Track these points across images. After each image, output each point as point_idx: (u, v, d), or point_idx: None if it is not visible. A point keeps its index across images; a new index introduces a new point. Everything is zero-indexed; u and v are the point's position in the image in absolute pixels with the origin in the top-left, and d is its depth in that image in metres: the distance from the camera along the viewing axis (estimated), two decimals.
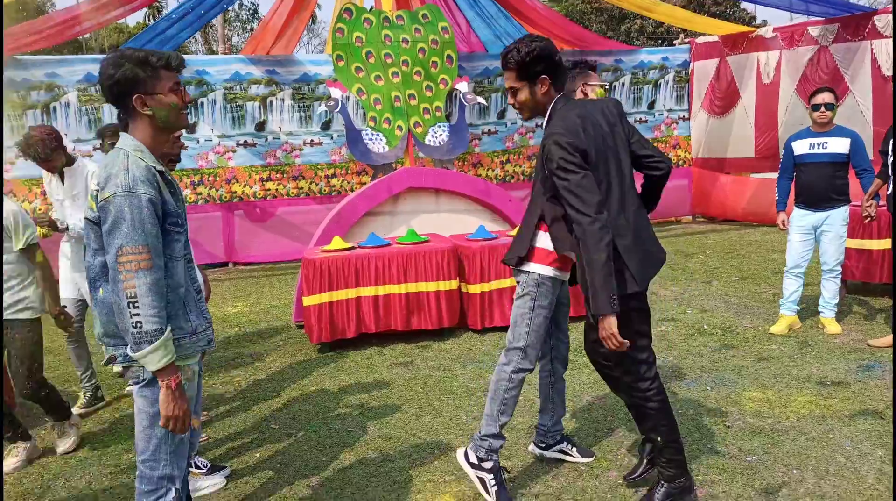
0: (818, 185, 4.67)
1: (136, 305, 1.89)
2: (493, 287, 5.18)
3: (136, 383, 2.06)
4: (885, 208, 4.70)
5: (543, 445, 3.16)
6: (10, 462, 3.38)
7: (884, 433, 3.26)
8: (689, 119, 10.41)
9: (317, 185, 8.82)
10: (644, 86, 10.10)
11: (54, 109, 7.81)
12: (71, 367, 4.54)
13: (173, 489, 2.10)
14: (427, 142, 6.47)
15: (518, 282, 2.82)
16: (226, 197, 8.51)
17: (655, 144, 10.44)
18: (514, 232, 5.49)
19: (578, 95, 3.10)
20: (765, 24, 18.79)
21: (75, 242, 3.99)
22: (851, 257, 5.44)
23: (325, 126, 8.77)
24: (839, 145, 4.62)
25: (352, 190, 8.43)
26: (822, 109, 4.63)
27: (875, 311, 5.27)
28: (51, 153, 3.77)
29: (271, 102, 8.54)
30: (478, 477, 2.80)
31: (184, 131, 6.23)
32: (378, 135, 6.35)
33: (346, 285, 4.97)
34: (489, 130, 9.46)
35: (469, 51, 9.39)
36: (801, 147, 4.76)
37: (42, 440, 3.66)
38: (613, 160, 2.58)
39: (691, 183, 10.44)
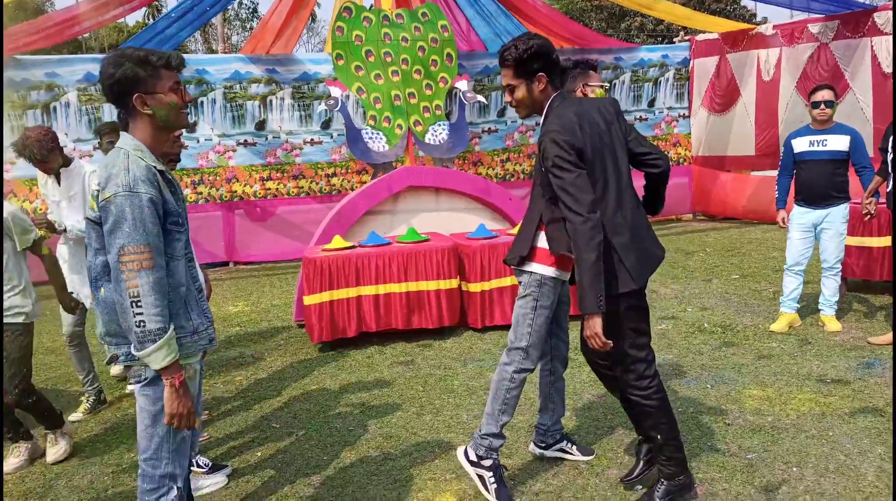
0: (818, 182, 4.67)
1: (139, 304, 1.90)
2: (494, 286, 5.18)
3: (138, 382, 2.06)
4: (884, 205, 4.70)
5: (543, 444, 3.17)
6: (12, 462, 3.39)
7: (883, 430, 3.26)
8: (689, 117, 10.41)
9: (317, 184, 8.82)
10: (644, 84, 10.10)
11: (54, 108, 7.82)
12: (73, 367, 4.54)
13: (175, 487, 2.11)
14: (427, 140, 6.47)
15: (520, 282, 2.82)
16: (226, 196, 8.51)
17: (656, 142, 10.50)
18: (514, 230, 5.51)
19: (578, 95, 3.10)
20: (765, 21, 18.79)
21: (73, 244, 3.96)
22: (851, 254, 5.45)
23: (325, 125, 8.78)
24: (839, 143, 4.62)
25: (352, 189, 8.44)
26: (822, 106, 4.63)
27: (875, 309, 5.27)
28: (47, 154, 3.71)
29: (271, 101, 8.55)
30: (477, 475, 2.81)
31: (184, 131, 6.24)
32: (378, 134, 6.36)
33: (347, 285, 4.97)
34: (489, 128, 9.46)
35: (469, 49, 9.39)
36: (800, 145, 4.76)
37: (44, 439, 3.67)
38: (610, 158, 2.59)
39: (692, 181, 10.44)
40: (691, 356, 4.46)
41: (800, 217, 4.79)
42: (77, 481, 3.24)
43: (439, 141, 6.50)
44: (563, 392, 3.17)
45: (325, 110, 8.57)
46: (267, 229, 8.76)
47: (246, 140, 8.52)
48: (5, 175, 7.63)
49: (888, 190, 4.48)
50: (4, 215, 3.28)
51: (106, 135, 4.15)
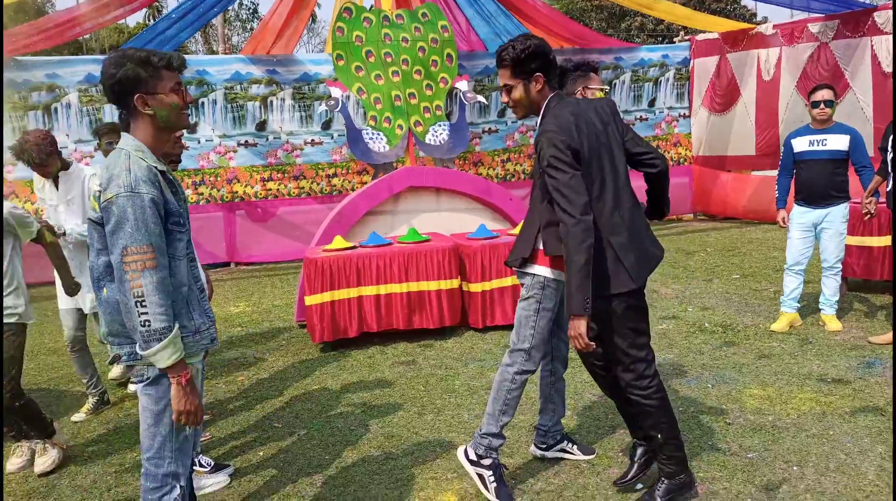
0: (818, 182, 4.67)
1: (143, 304, 1.91)
2: (495, 286, 5.19)
3: (141, 381, 2.07)
4: (884, 204, 4.71)
5: (544, 445, 3.17)
6: (14, 462, 3.39)
7: (884, 429, 3.27)
8: (689, 117, 10.41)
9: (318, 184, 8.83)
10: (644, 83, 10.11)
11: (55, 109, 7.83)
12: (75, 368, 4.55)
13: (178, 486, 2.12)
14: (427, 141, 6.48)
15: (522, 284, 2.83)
16: (227, 197, 8.52)
17: (656, 142, 10.50)
18: (514, 231, 5.51)
19: (579, 97, 3.10)
20: (765, 21, 18.79)
21: (73, 247, 3.92)
22: (852, 254, 5.45)
23: (326, 126, 8.79)
24: (839, 142, 4.63)
25: (353, 189, 8.45)
26: (822, 106, 4.63)
27: (875, 308, 5.28)
28: (46, 158, 3.68)
29: (272, 101, 8.56)
30: (477, 474, 2.82)
31: (185, 131, 6.25)
32: (378, 134, 6.37)
33: (348, 285, 4.98)
34: (490, 128, 9.46)
35: (469, 49, 9.40)
36: (800, 144, 4.77)
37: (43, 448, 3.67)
38: (607, 157, 2.59)
39: (692, 181, 10.45)
40: (692, 356, 4.46)
41: (800, 217, 4.79)
42: (80, 480, 3.25)
43: (440, 141, 6.51)
44: (563, 393, 3.17)
45: (326, 111, 8.59)
46: (268, 229, 8.77)
47: (247, 141, 8.53)
48: (7, 177, 7.65)
49: (888, 189, 4.48)
50: (4, 214, 3.28)
51: (105, 135, 4.13)
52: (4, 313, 3.25)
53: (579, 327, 2.45)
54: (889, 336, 4.43)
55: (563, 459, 3.15)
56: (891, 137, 4.47)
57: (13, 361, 3.27)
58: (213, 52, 27.83)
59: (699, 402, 3.71)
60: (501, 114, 9.47)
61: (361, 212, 5.82)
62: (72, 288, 3.69)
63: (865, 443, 3.14)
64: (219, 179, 8.47)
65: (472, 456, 2.83)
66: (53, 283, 3.87)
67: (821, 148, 4.67)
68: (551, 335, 3.00)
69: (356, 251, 5.08)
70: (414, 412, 3.84)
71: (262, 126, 8.56)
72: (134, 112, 2.05)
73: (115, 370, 4.58)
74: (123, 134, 2.09)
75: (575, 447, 3.18)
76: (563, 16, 11.93)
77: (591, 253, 2.42)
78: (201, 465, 3.14)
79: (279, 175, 8.67)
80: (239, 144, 8.50)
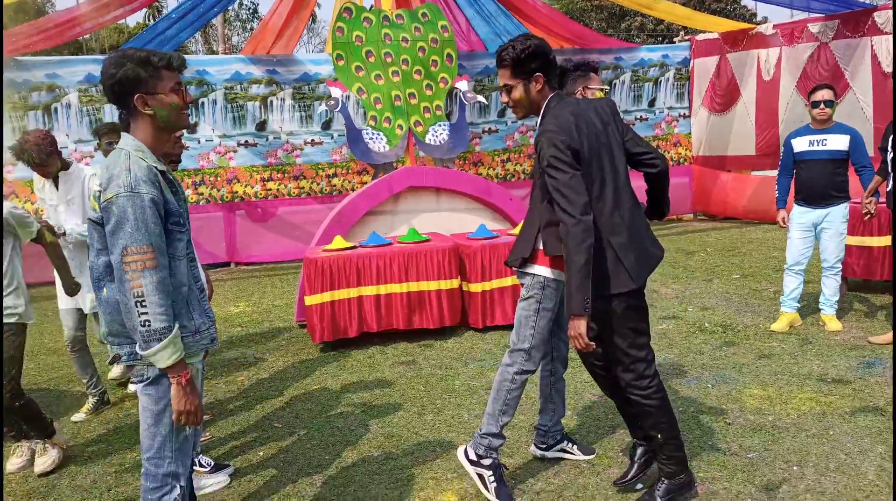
0: (818, 182, 4.67)
1: (143, 303, 1.91)
2: (495, 286, 5.19)
3: (141, 381, 2.07)
4: (884, 204, 4.71)
5: (544, 445, 3.17)
6: (15, 462, 3.39)
7: (884, 429, 3.27)
8: (689, 117, 10.42)
9: (318, 184, 8.83)
10: (644, 83, 10.11)
11: (55, 109, 7.84)
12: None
13: (178, 486, 2.12)
14: (427, 141, 6.48)
15: (522, 284, 2.83)
16: (227, 197, 8.53)
17: (656, 142, 10.49)
18: (514, 231, 5.51)
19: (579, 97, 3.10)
20: (765, 20, 18.79)
21: (73, 247, 3.92)
22: (852, 254, 5.45)
23: (326, 126, 8.79)
24: (839, 142, 4.63)
25: (353, 189, 8.45)
26: (822, 106, 4.63)
27: (876, 308, 5.28)
28: (46, 158, 3.67)
29: (272, 101, 8.56)
30: (477, 474, 2.82)
31: (185, 131, 6.25)
32: (378, 134, 6.37)
33: (348, 285, 4.98)
34: (490, 128, 9.47)
35: (469, 49, 9.40)
36: (800, 144, 4.77)
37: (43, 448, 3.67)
38: (607, 157, 2.60)
39: (692, 181, 10.45)
40: (692, 356, 4.46)
41: (800, 217, 4.79)
42: (80, 480, 3.25)
43: (440, 141, 6.51)
44: (563, 393, 3.17)
45: (326, 111, 8.59)
46: (268, 229, 8.77)
47: (247, 141, 8.53)
48: (7, 177, 7.65)
49: (888, 189, 4.48)
50: (4, 214, 3.28)
51: (104, 136, 4.13)
52: (4, 313, 3.24)
53: (579, 327, 2.45)
54: (889, 336, 4.43)
55: (563, 459, 3.15)
56: (891, 137, 4.47)
57: (13, 361, 3.26)
58: (213, 53, 27.84)
59: (699, 402, 3.71)
60: (501, 114, 9.47)
61: (361, 212, 5.83)
62: (72, 288, 3.69)
63: (865, 443, 3.14)
64: (219, 179, 8.47)
65: (472, 456, 2.84)
66: (53, 283, 3.87)
67: (821, 148, 4.67)
68: (551, 335, 3.00)
69: (356, 251, 5.08)
70: (414, 412, 3.84)
71: (262, 126, 8.56)
72: (134, 112, 2.05)
73: (115, 371, 4.59)
74: (123, 134, 2.09)
75: (575, 447, 3.18)
76: (563, 16, 11.93)
77: (591, 253, 2.42)
78: (201, 465, 3.14)
79: (279, 175, 8.67)
80: (239, 144, 8.50)
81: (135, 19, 32.31)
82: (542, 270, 2.75)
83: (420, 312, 5.10)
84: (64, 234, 3.84)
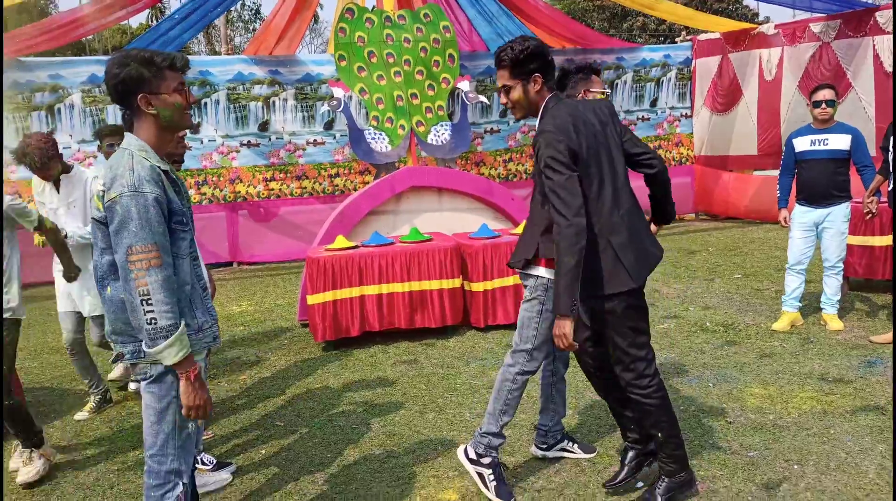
0: (819, 181, 4.68)
1: (149, 302, 1.93)
2: (496, 285, 5.20)
3: (144, 379, 2.09)
4: (886, 204, 4.71)
5: (545, 445, 3.18)
6: (16, 461, 3.40)
7: (885, 428, 3.27)
8: (691, 117, 10.41)
9: (320, 184, 8.85)
10: (646, 83, 10.11)
11: (58, 110, 7.86)
12: None
13: (180, 483, 2.13)
14: (429, 141, 6.49)
15: (525, 285, 2.84)
16: (230, 197, 8.54)
17: (658, 142, 10.48)
18: (516, 230, 5.52)
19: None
20: (767, 20, 18.78)
21: (73, 250, 3.88)
22: (853, 253, 5.45)
23: (328, 126, 8.80)
24: (840, 142, 4.63)
25: (355, 189, 8.46)
26: (823, 105, 4.63)
27: (877, 307, 5.28)
28: (48, 162, 3.66)
29: (274, 102, 8.57)
30: (477, 473, 2.84)
31: (187, 132, 6.27)
32: (381, 134, 6.38)
33: (350, 284, 5.00)
34: (491, 128, 9.47)
35: (471, 49, 9.41)
36: (802, 144, 4.77)
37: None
38: (606, 158, 2.60)
39: (694, 181, 10.45)
40: (693, 355, 4.47)
41: (801, 216, 4.80)
42: (83, 478, 3.27)
43: (442, 141, 6.52)
44: (564, 393, 3.18)
45: (328, 111, 8.60)
46: (270, 229, 8.79)
47: (249, 141, 8.55)
48: (10, 177, 7.68)
49: (889, 189, 4.49)
50: (4, 208, 3.28)
51: (106, 137, 4.12)
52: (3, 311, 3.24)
53: (565, 327, 2.46)
54: (890, 336, 4.43)
55: (564, 457, 3.16)
56: (892, 137, 4.47)
57: (6, 358, 3.25)
58: (216, 53, 27.89)
59: (700, 401, 3.72)
60: (503, 114, 9.47)
61: (363, 212, 5.84)
62: (72, 273, 3.66)
63: (866, 442, 3.15)
64: (221, 179, 8.49)
65: (472, 455, 2.85)
66: (53, 283, 3.87)
67: (822, 148, 4.67)
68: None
69: (358, 251, 5.09)
70: (416, 410, 3.85)
71: (264, 126, 8.58)
72: (137, 112, 2.06)
73: (115, 372, 4.59)
74: (127, 134, 2.10)
75: (576, 445, 3.19)
76: (565, 16, 11.93)
77: (581, 255, 2.42)
78: (204, 463, 3.15)
79: (282, 175, 8.69)
80: (241, 145, 8.52)
81: (138, 20, 32.39)
82: (545, 271, 2.76)
83: (422, 311, 5.12)
84: (66, 237, 3.84)
